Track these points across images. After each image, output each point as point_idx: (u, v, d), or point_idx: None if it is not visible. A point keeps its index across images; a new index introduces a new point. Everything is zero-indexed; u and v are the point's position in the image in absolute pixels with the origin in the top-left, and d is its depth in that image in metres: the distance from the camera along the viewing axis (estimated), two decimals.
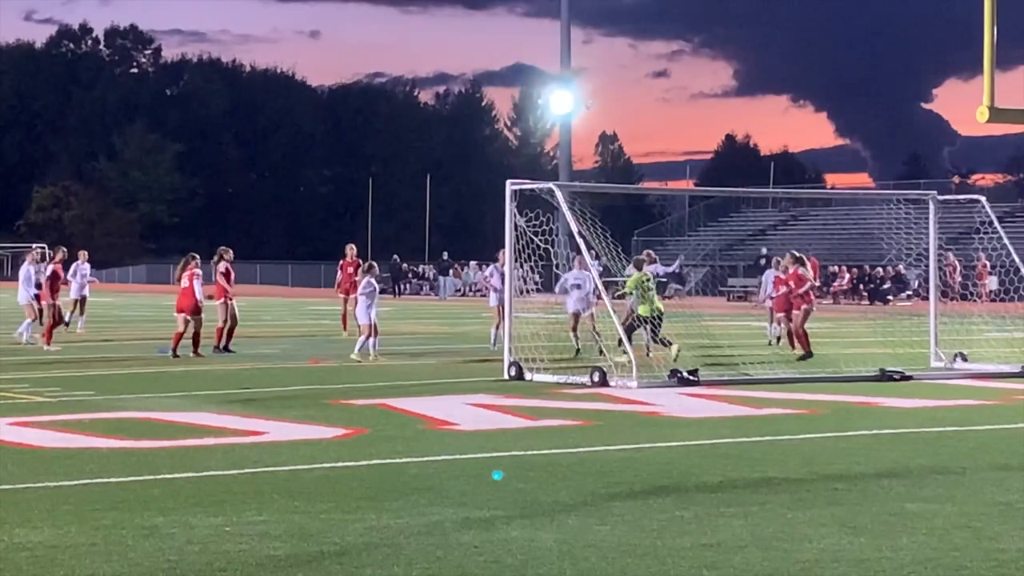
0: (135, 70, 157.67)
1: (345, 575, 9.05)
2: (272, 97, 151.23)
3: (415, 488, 12.44)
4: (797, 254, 29.48)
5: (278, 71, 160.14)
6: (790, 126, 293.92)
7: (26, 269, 33.30)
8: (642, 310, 26.90)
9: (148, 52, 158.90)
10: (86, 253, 40.11)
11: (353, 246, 37.14)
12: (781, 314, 30.22)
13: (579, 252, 26.90)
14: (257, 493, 12.10)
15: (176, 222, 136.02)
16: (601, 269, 29.14)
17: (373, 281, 29.08)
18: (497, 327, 30.46)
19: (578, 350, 28.69)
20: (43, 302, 32.22)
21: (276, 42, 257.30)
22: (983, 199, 30.93)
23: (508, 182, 26.08)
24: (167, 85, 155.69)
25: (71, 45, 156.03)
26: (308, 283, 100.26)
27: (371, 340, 28.40)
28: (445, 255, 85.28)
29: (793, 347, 29.06)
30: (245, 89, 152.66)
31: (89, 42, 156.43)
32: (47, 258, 35.89)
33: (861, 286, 69.74)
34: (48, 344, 30.85)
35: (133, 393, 21.35)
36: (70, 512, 11.14)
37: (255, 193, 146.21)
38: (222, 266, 30.90)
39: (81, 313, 38.07)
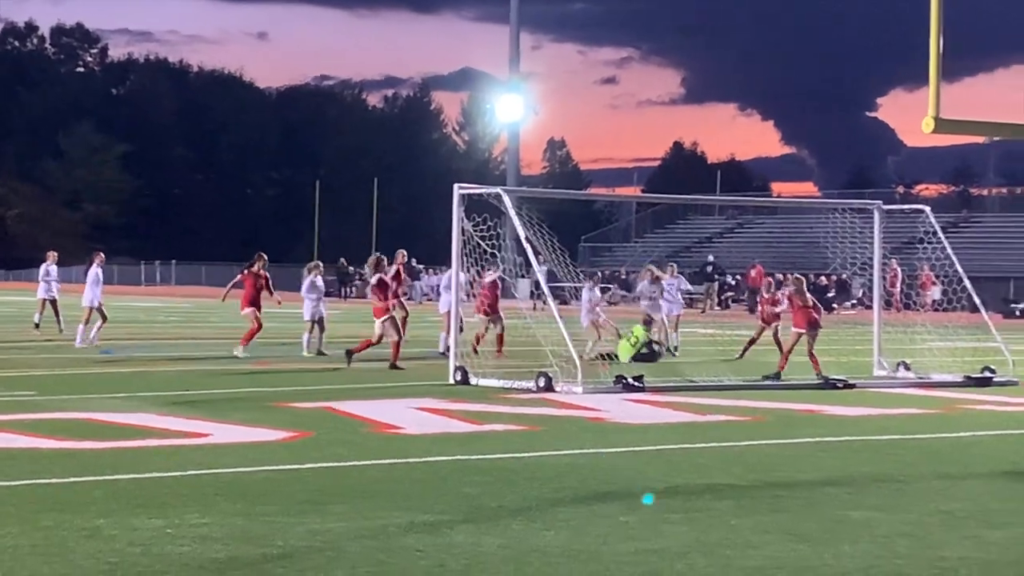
0: (81, 69, 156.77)
1: None
2: (220, 98, 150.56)
3: (359, 492, 12.41)
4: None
5: (226, 72, 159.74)
6: (737, 134, 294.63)
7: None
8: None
9: (95, 51, 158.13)
10: (55, 254, 39.42)
11: (403, 252, 31.85)
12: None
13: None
14: (200, 495, 12.04)
15: (122, 223, 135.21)
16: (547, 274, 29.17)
17: (318, 281, 30.24)
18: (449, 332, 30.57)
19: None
20: None
21: (224, 43, 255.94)
22: (927, 209, 31.11)
23: (456, 186, 26.06)
24: (113, 85, 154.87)
25: (16, 43, 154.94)
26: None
27: (310, 337, 30.16)
28: (414, 261, 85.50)
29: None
30: (192, 90, 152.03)
31: (35, 40, 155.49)
32: None
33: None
34: None
35: (76, 394, 21.21)
36: (11, 513, 11.05)
37: (202, 194, 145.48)
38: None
39: (56, 314, 37.30)
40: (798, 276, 28.06)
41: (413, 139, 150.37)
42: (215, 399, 21.08)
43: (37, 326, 36.51)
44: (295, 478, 13.26)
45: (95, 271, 33.95)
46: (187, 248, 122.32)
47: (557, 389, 23.02)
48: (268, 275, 31.27)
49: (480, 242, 25.94)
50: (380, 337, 27.16)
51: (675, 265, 37.89)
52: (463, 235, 25.86)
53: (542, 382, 23.25)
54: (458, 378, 24.56)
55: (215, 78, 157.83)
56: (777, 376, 26.12)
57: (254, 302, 30.63)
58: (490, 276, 28.75)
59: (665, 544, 10.26)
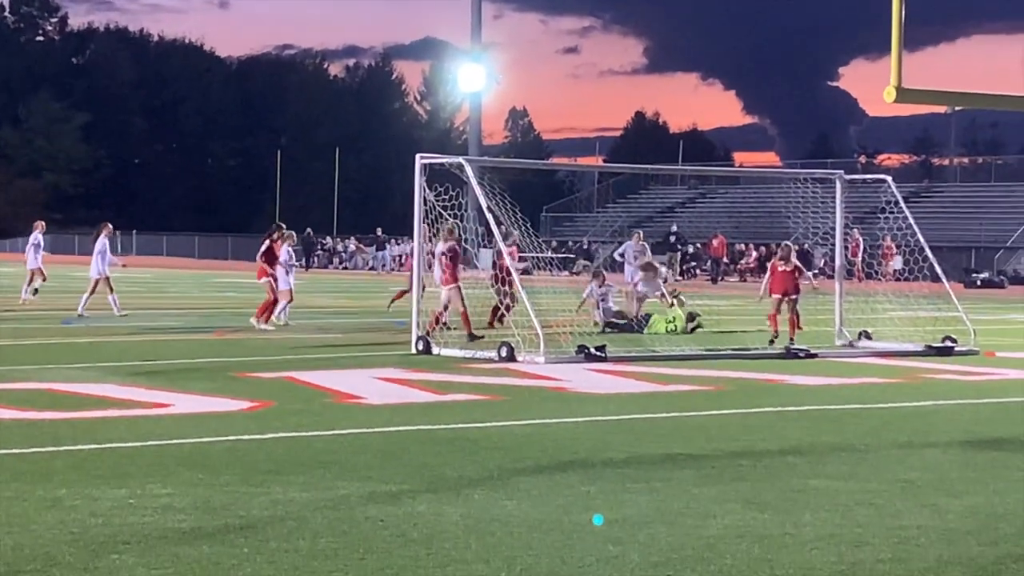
0: (41, 38, 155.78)
1: (250, 548, 9.00)
2: (180, 68, 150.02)
3: (321, 462, 12.39)
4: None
5: (187, 41, 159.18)
6: (699, 104, 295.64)
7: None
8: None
9: (54, 20, 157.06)
10: (42, 223, 39.24)
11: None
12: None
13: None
14: (162, 466, 12.01)
15: (82, 192, 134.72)
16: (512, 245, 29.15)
17: (290, 250, 30.44)
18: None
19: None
20: None
21: (185, 12, 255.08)
22: (889, 179, 31.19)
23: (418, 156, 26.00)
24: (73, 54, 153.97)
25: None
26: (215, 255, 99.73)
27: (285, 305, 30.24)
28: (379, 231, 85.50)
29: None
30: (153, 59, 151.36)
31: None
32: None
33: (768, 264, 70.20)
34: None
35: (36, 364, 21.13)
36: None
37: (163, 164, 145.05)
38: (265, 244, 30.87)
39: (28, 283, 37.18)
40: (787, 244, 28.37)
41: (374, 109, 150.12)
42: (176, 369, 21.02)
43: (36, 291, 36.69)
44: (257, 448, 13.24)
45: (102, 241, 33.79)
46: (147, 218, 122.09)
47: (519, 359, 23.03)
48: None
49: (442, 212, 25.90)
50: (447, 306, 27.04)
51: (640, 232, 37.76)
52: (425, 205, 25.82)
53: (504, 352, 23.26)
54: (420, 348, 24.56)
55: (176, 47, 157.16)
56: (771, 343, 26.77)
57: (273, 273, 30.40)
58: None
59: (626, 513, 10.28)
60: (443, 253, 26.97)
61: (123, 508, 10.17)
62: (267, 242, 30.73)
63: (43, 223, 39.21)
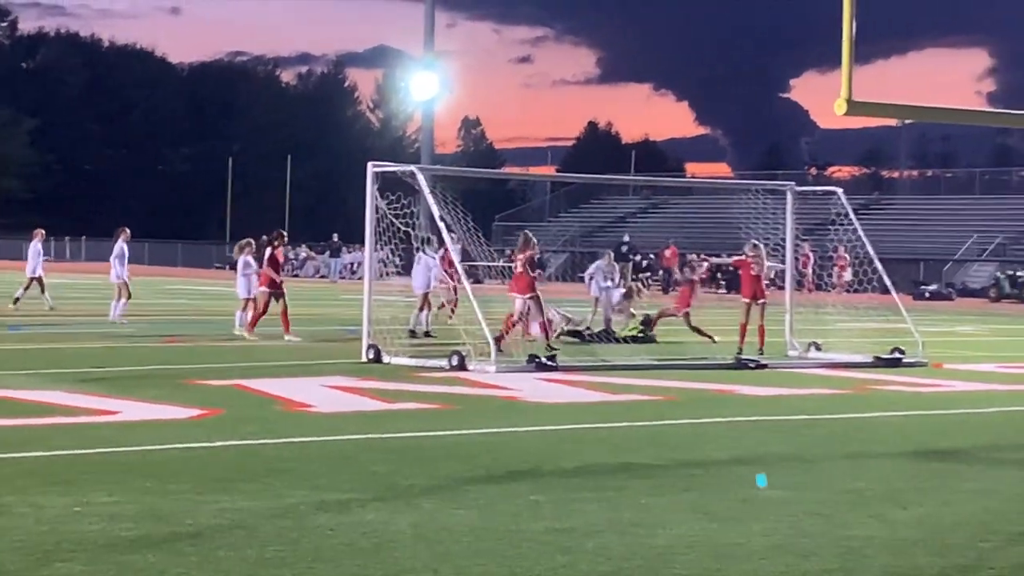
0: None
1: (198, 557, 8.95)
2: (131, 73, 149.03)
3: (270, 470, 12.34)
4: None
5: (138, 47, 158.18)
6: (652, 114, 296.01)
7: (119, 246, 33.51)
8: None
9: (4, 25, 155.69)
10: (42, 232, 39.06)
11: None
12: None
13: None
14: (109, 473, 11.94)
15: (31, 198, 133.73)
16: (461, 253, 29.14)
17: (250, 259, 30.25)
18: (421, 309, 30.70)
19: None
20: None
21: (136, 18, 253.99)
22: (840, 191, 31.33)
23: (370, 164, 25.98)
24: (23, 59, 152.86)
25: None
26: (166, 262, 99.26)
27: (243, 314, 30.10)
28: (335, 236, 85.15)
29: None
30: (104, 65, 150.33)
31: None
32: None
33: (719, 275, 70.32)
34: None
35: None
36: None
37: (113, 170, 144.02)
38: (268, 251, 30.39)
39: (24, 289, 37.01)
40: (755, 243, 28.19)
41: (327, 116, 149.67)
42: (124, 376, 20.91)
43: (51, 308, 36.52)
44: (206, 456, 13.17)
45: (120, 246, 33.62)
46: (97, 224, 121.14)
47: (470, 368, 23.02)
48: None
49: (394, 220, 25.87)
50: (522, 315, 26.96)
51: (611, 253, 37.69)
52: (377, 213, 25.79)
53: (455, 360, 23.24)
54: (370, 356, 24.52)
55: (127, 53, 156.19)
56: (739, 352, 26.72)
57: (272, 282, 29.94)
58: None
59: (576, 523, 10.27)
60: (523, 262, 26.96)
61: (69, 516, 10.10)
62: (269, 250, 30.41)
63: (42, 231, 39.09)
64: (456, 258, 26.15)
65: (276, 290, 29.59)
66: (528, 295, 26.61)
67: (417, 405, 17.97)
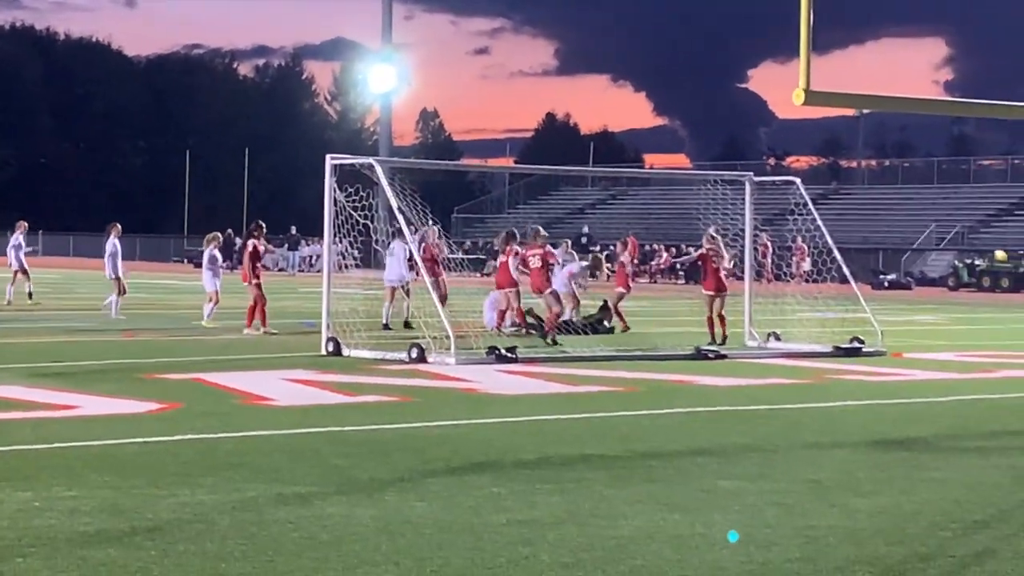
0: None
1: (158, 551, 8.91)
2: (87, 67, 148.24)
3: (230, 464, 12.31)
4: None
5: (94, 40, 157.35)
6: (610, 106, 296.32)
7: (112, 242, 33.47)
8: None
9: None
10: (24, 224, 38.83)
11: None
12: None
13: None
14: (68, 468, 11.88)
15: None
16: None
17: (216, 252, 30.29)
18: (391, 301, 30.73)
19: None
20: None
21: (92, 11, 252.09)
22: (798, 181, 31.40)
23: (328, 157, 25.90)
24: None
25: None
26: (124, 255, 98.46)
27: (212, 307, 30.49)
28: (293, 229, 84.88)
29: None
30: (59, 58, 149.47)
31: None
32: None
33: (678, 265, 70.51)
34: None
35: None
36: None
37: (69, 164, 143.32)
38: (250, 244, 30.10)
39: (9, 284, 36.98)
40: (713, 235, 28.40)
41: (285, 109, 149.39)
42: (83, 371, 20.82)
43: (31, 295, 36.50)
44: (165, 450, 13.12)
45: (112, 242, 33.48)
46: (54, 218, 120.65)
47: (430, 360, 22.99)
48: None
49: (352, 213, 25.81)
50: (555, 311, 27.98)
51: (569, 242, 37.70)
52: (335, 206, 25.73)
53: (415, 353, 23.21)
54: (330, 349, 24.47)
55: (83, 46, 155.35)
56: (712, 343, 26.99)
57: (249, 274, 29.71)
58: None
59: (537, 515, 10.27)
60: (538, 258, 28.08)
61: (28, 511, 10.05)
62: (251, 242, 30.24)
63: (25, 223, 38.92)
64: (436, 251, 26.57)
65: (248, 282, 29.41)
66: (548, 290, 27.96)
67: (377, 398, 17.94)
